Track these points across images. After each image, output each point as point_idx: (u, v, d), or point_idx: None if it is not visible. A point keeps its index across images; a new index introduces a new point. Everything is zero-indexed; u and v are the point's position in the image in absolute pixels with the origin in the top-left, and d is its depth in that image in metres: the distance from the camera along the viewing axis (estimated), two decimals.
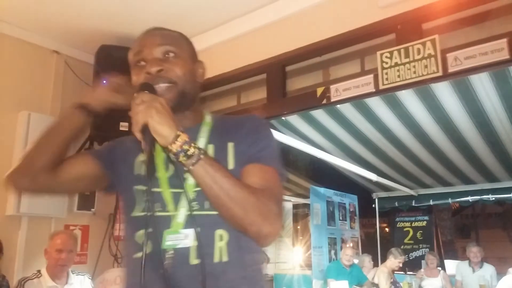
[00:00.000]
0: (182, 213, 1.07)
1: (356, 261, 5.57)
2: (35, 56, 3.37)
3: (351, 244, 6.40)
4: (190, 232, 1.05)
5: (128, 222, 1.14)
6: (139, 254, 1.01)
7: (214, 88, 3.39)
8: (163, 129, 0.94)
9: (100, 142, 3.40)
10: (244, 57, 3.13)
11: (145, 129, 0.94)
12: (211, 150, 1.12)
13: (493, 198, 6.21)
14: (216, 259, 1.04)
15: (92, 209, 3.50)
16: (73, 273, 2.84)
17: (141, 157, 1.13)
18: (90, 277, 3.02)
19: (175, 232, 1.05)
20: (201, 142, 1.13)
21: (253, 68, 3.11)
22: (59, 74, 3.47)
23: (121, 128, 3.09)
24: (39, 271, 2.73)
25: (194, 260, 1.03)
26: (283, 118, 3.83)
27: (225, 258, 1.05)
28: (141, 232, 1.06)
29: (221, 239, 1.06)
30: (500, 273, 5.24)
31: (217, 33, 3.31)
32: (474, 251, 5.52)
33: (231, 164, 1.10)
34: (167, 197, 1.08)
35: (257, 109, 3.18)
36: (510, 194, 6.02)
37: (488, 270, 5.44)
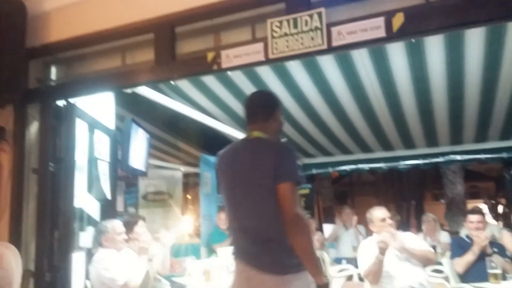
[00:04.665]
0: None
1: None
2: None
3: None
4: None
5: None
6: None
7: (95, 45, 3.12)
8: None
9: None
10: (130, 13, 2.91)
11: None
12: None
13: (367, 168, 6.82)
14: None
15: None
16: None
17: None
18: None
19: None
20: None
21: (139, 27, 2.91)
22: None
23: None
24: None
25: None
26: (172, 82, 3.69)
27: None
28: None
29: None
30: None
31: None
32: (347, 212, 6.24)
33: None
34: None
35: (145, 71, 3.02)
36: (381, 164, 6.66)
37: (360, 229, 6.14)
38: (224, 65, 2.74)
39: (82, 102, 3.30)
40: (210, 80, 4.04)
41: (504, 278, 3.30)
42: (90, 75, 3.22)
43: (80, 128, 3.29)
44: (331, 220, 7.70)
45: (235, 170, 2.00)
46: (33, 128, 3.20)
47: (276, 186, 1.82)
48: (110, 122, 3.85)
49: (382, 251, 3.13)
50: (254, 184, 1.90)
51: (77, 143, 3.20)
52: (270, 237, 1.85)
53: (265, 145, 1.98)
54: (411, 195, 11.60)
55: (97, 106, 3.61)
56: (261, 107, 2.13)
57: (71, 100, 3.20)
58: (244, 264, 1.91)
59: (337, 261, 5.84)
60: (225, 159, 2.09)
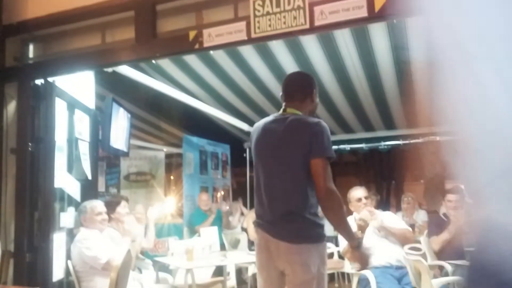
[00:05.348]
0: None
1: (227, 207, 5.82)
2: None
3: (223, 192, 6.62)
4: None
5: None
6: None
7: (75, 22, 3.04)
8: None
9: None
10: None
11: None
12: None
13: (349, 148, 6.88)
14: None
15: None
16: None
17: None
18: None
19: None
20: None
21: (119, 4, 2.85)
22: None
23: None
24: None
25: None
26: (153, 61, 3.65)
27: None
28: None
29: None
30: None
31: None
32: None
33: None
34: None
35: (125, 49, 2.97)
36: (363, 144, 6.73)
37: None
38: (206, 44, 2.71)
39: (61, 81, 3.23)
40: (192, 60, 4.00)
41: None
42: (69, 53, 3.15)
43: (59, 107, 3.23)
44: None
45: (267, 142, 2.07)
46: (11, 108, 3.13)
47: (308, 162, 1.92)
48: (90, 101, 3.79)
49: (362, 228, 3.19)
50: (284, 158, 1.99)
51: (57, 123, 3.15)
52: (290, 209, 1.95)
53: (299, 120, 2.04)
54: (392, 175, 11.77)
55: (77, 85, 3.54)
56: (300, 87, 2.17)
57: (50, 79, 3.13)
58: (263, 232, 2.03)
59: None
60: (258, 131, 2.14)
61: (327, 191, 1.89)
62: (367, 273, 3.14)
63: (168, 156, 7.33)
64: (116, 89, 4.37)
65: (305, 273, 1.92)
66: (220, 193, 6.55)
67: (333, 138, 6.86)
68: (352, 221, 3.35)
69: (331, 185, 1.90)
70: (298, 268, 1.93)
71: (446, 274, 3.40)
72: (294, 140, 1.98)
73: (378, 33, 3.48)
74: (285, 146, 1.99)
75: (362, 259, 2.12)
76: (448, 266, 3.42)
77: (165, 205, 4.39)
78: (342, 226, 2.03)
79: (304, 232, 1.95)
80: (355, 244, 2.07)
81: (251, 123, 5.86)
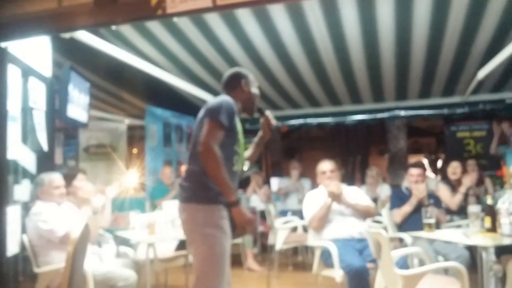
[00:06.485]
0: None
1: None
2: None
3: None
4: None
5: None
6: (235, 168, 2.26)
7: None
8: None
9: None
10: None
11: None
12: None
13: (316, 122, 6.89)
14: None
15: None
16: None
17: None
18: None
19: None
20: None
21: None
22: None
23: None
24: None
25: None
26: (113, 28, 3.46)
27: None
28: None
29: None
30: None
31: None
32: (294, 166, 6.39)
33: None
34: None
35: (83, 14, 2.78)
36: (329, 118, 6.75)
37: (306, 182, 6.29)
38: (169, 10, 2.59)
39: (14, 46, 3.02)
40: (155, 27, 3.83)
41: (437, 227, 3.51)
42: (23, 17, 2.93)
43: (13, 74, 3.03)
44: (278, 174, 7.81)
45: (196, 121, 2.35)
46: None
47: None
48: (47, 69, 3.58)
49: (334, 197, 3.30)
50: (195, 128, 2.26)
51: (9, 91, 2.95)
52: (188, 172, 2.23)
53: (213, 98, 2.33)
54: (357, 150, 11.97)
55: (32, 52, 3.33)
56: (227, 81, 2.45)
57: (2, 44, 2.93)
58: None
59: (283, 213, 6.00)
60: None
61: (204, 146, 2.07)
62: (329, 245, 3.18)
63: (130, 128, 7.10)
64: (75, 57, 4.15)
65: (190, 231, 2.18)
66: (168, 165, 6.45)
67: (300, 111, 6.87)
68: (322, 191, 3.47)
69: (209, 143, 2.08)
70: (185, 226, 2.20)
71: (406, 246, 3.49)
72: (202, 112, 2.24)
73: (347, 4, 3.43)
74: (199, 119, 2.25)
75: (241, 218, 2.11)
76: (407, 238, 3.51)
77: (126, 180, 4.27)
78: (217, 179, 2.11)
79: (197, 192, 2.16)
80: (233, 200, 2.10)
81: (216, 94, 5.75)
